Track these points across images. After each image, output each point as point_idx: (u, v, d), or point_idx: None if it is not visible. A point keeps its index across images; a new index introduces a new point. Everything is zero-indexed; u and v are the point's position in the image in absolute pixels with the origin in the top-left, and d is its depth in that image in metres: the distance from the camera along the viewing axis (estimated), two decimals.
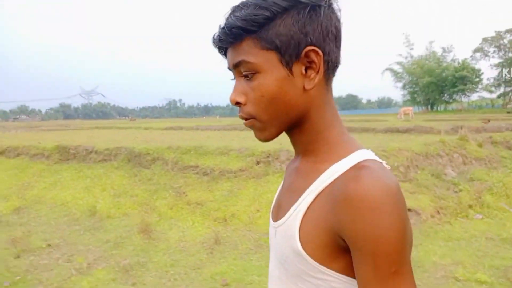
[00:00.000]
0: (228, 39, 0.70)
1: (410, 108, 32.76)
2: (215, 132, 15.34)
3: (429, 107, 54.01)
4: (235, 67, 0.72)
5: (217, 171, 6.79)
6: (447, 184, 6.38)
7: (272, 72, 0.69)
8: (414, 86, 54.55)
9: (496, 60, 58.00)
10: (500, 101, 54.97)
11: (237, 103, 0.73)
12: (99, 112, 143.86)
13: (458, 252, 4.42)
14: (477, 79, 49.24)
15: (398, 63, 56.63)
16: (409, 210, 5.32)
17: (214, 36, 0.73)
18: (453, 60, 55.16)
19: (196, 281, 3.98)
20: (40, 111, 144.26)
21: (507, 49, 57.51)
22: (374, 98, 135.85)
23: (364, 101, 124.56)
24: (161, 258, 4.60)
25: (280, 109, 0.70)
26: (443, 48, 57.02)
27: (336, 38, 0.71)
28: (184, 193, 6.62)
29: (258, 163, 6.84)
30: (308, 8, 0.67)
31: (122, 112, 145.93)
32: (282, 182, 0.87)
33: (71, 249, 5.06)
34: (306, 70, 0.69)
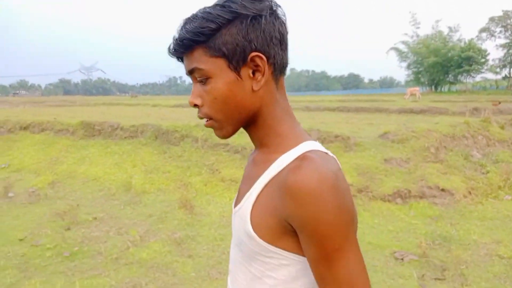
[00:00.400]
0: (181, 50, 0.78)
1: (417, 88, 32.57)
2: None
3: (433, 87, 53.78)
4: (190, 73, 0.80)
5: (248, 149, 6.93)
6: (474, 165, 6.54)
7: (222, 77, 0.76)
8: (419, 66, 54.15)
9: (503, 41, 57.37)
10: (505, 83, 54.73)
11: (195, 105, 0.81)
12: (99, 88, 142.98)
13: (495, 231, 4.61)
14: (483, 60, 48.88)
15: (404, 42, 56.02)
16: (443, 190, 5.50)
17: (169, 47, 0.81)
18: (459, 40, 54.49)
19: None
20: (40, 86, 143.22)
21: None
22: (376, 78, 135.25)
23: (366, 80, 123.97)
24: (209, 232, 4.79)
25: (233, 109, 0.78)
26: (450, 28, 56.24)
27: (281, 41, 0.78)
28: (217, 170, 6.78)
29: None
30: (250, 18, 0.74)
31: (122, 89, 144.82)
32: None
33: (117, 222, 5.24)
34: (253, 73, 0.77)
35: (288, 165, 0.73)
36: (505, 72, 54.31)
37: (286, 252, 0.74)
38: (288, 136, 0.80)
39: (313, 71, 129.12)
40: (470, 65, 47.68)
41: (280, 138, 0.80)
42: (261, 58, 0.76)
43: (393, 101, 23.31)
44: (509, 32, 57.47)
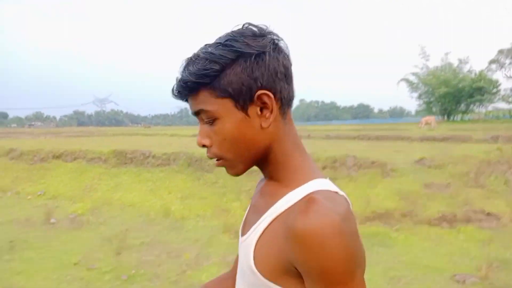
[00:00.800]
0: (185, 92, 0.77)
1: (433, 117, 32.61)
2: None
3: (445, 116, 53.84)
4: (196, 114, 0.78)
5: None
6: None
7: (229, 117, 0.75)
8: (430, 96, 54.52)
9: None
10: None
11: (204, 146, 0.79)
12: (112, 119, 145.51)
13: None
14: (495, 90, 49.06)
15: (414, 74, 56.70)
16: (489, 214, 5.50)
17: (173, 88, 0.79)
18: (469, 71, 54.96)
19: None
20: (54, 118, 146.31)
21: None
22: (385, 108, 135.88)
23: (375, 110, 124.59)
24: None
25: (243, 148, 0.76)
26: (460, 60, 56.83)
27: (286, 75, 0.77)
28: None
29: (324, 168, 7.06)
30: (254, 55, 0.73)
31: (135, 120, 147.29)
32: (252, 198, 0.93)
33: (165, 247, 5.30)
34: (261, 110, 0.75)
35: (296, 203, 0.72)
36: None
37: None
38: (298, 171, 0.78)
39: (322, 101, 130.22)
40: (482, 95, 47.84)
41: (290, 173, 0.78)
42: (268, 95, 0.74)
43: (407, 129, 23.39)
44: None
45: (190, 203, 7.20)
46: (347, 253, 0.65)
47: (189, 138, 18.78)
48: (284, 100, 0.77)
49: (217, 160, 0.80)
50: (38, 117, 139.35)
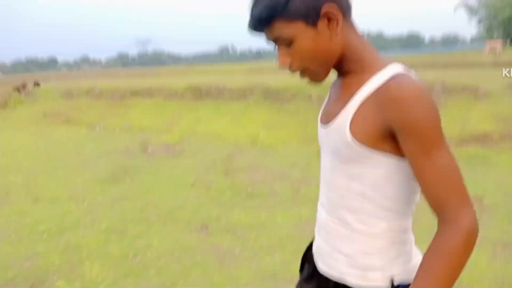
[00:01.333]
0: (261, 25, 0.87)
1: (499, 41, 30.00)
2: None
3: (507, 41, 49.72)
4: (274, 41, 0.89)
5: None
6: None
7: (304, 36, 0.85)
8: (492, 20, 50.15)
9: None
10: None
11: (286, 65, 0.90)
12: (155, 60, 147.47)
13: None
14: None
15: None
16: None
17: (249, 23, 0.89)
18: None
19: None
20: (100, 61, 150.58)
21: None
22: (438, 36, 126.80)
23: (426, 39, 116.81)
24: None
25: (320, 59, 0.88)
26: None
27: None
28: None
29: None
30: None
31: (177, 60, 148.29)
32: (327, 98, 1.05)
33: (268, 169, 5.68)
34: (328, 22, 0.85)
35: (382, 84, 0.82)
36: None
37: (384, 152, 0.84)
38: (373, 62, 0.89)
39: (368, 31, 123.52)
40: None
41: (366, 64, 0.89)
42: (332, 9, 0.84)
43: (470, 56, 22.06)
44: None
45: (274, 132, 7.49)
46: (435, 111, 0.79)
47: (243, 73, 18.85)
48: (346, 8, 0.87)
49: (301, 72, 0.93)
50: (85, 60, 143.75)
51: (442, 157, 0.79)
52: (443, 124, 0.80)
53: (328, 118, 0.96)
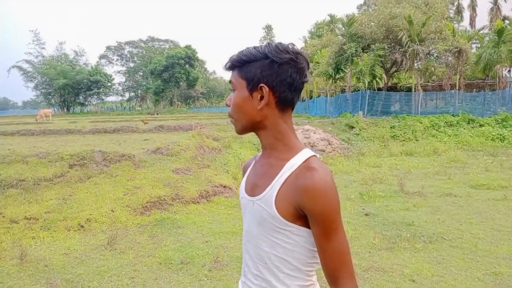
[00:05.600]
0: (226, 67, 1.17)
1: (50, 110, 33.72)
2: None
3: (65, 109, 53.82)
4: (230, 82, 1.18)
5: (30, 181, 5.90)
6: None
7: (241, 92, 1.12)
8: (48, 87, 52.79)
9: (119, 68, 65.60)
10: (130, 104, 62.81)
11: (227, 105, 1.18)
12: None
13: None
14: (109, 84, 53.73)
15: (28, 61, 53.10)
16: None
17: (225, 63, 1.17)
18: (85, 64, 57.61)
19: None
20: None
21: (127, 59, 66.19)
22: None
23: None
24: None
25: (242, 116, 1.14)
26: (75, 52, 58.47)
27: (291, 85, 1.09)
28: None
29: (72, 166, 6.49)
30: (270, 60, 1.08)
31: None
32: (250, 169, 1.29)
33: None
34: (260, 97, 1.10)
35: (299, 166, 1.06)
36: (128, 95, 62.26)
37: (299, 226, 1.07)
38: (292, 145, 1.12)
39: None
40: (99, 88, 50.96)
41: (286, 146, 1.12)
42: (264, 91, 1.08)
43: (29, 123, 22.37)
44: (124, 60, 66.38)
45: None
46: (337, 201, 1.04)
47: None
48: (282, 100, 1.10)
49: (229, 115, 1.18)
50: None
51: (338, 241, 1.03)
52: None
53: (254, 190, 1.16)
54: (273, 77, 1.07)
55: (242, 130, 1.16)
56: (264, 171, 1.15)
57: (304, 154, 1.09)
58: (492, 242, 4.72)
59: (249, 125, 1.13)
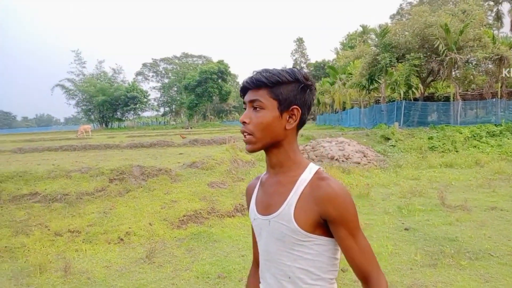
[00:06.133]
0: (252, 85, 1.17)
1: (89, 126, 35.03)
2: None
3: (104, 124, 55.95)
4: (250, 102, 1.17)
5: (74, 196, 6.14)
6: None
7: (271, 112, 1.15)
8: (88, 104, 55.08)
9: (155, 84, 67.61)
10: (164, 119, 64.48)
11: (244, 122, 1.17)
12: None
13: None
14: (145, 99, 55.52)
15: (69, 80, 55.71)
16: None
17: (243, 82, 1.19)
18: (123, 81, 59.86)
19: None
20: None
21: (162, 75, 68.19)
22: (31, 116, 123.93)
23: (19, 118, 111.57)
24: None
25: (267, 134, 1.15)
26: (114, 69, 60.93)
27: (309, 108, 1.21)
28: (44, 225, 5.62)
29: (112, 180, 6.70)
30: (303, 85, 1.17)
31: None
32: (257, 190, 1.31)
33: None
34: (289, 118, 1.17)
35: (311, 179, 1.14)
36: (163, 109, 64.02)
37: (318, 236, 1.12)
38: (299, 161, 1.20)
39: None
40: (136, 104, 52.80)
41: (296, 164, 1.19)
42: (298, 110, 1.17)
43: (71, 138, 23.29)
44: (159, 77, 68.44)
45: None
46: (354, 204, 1.13)
47: None
48: (301, 121, 1.20)
49: (247, 134, 1.17)
50: None
51: (362, 237, 1.13)
52: None
53: (267, 209, 1.19)
54: (302, 100, 1.16)
55: (260, 148, 1.18)
56: (275, 189, 1.19)
57: (312, 167, 1.17)
58: None
59: (270, 143, 1.17)
